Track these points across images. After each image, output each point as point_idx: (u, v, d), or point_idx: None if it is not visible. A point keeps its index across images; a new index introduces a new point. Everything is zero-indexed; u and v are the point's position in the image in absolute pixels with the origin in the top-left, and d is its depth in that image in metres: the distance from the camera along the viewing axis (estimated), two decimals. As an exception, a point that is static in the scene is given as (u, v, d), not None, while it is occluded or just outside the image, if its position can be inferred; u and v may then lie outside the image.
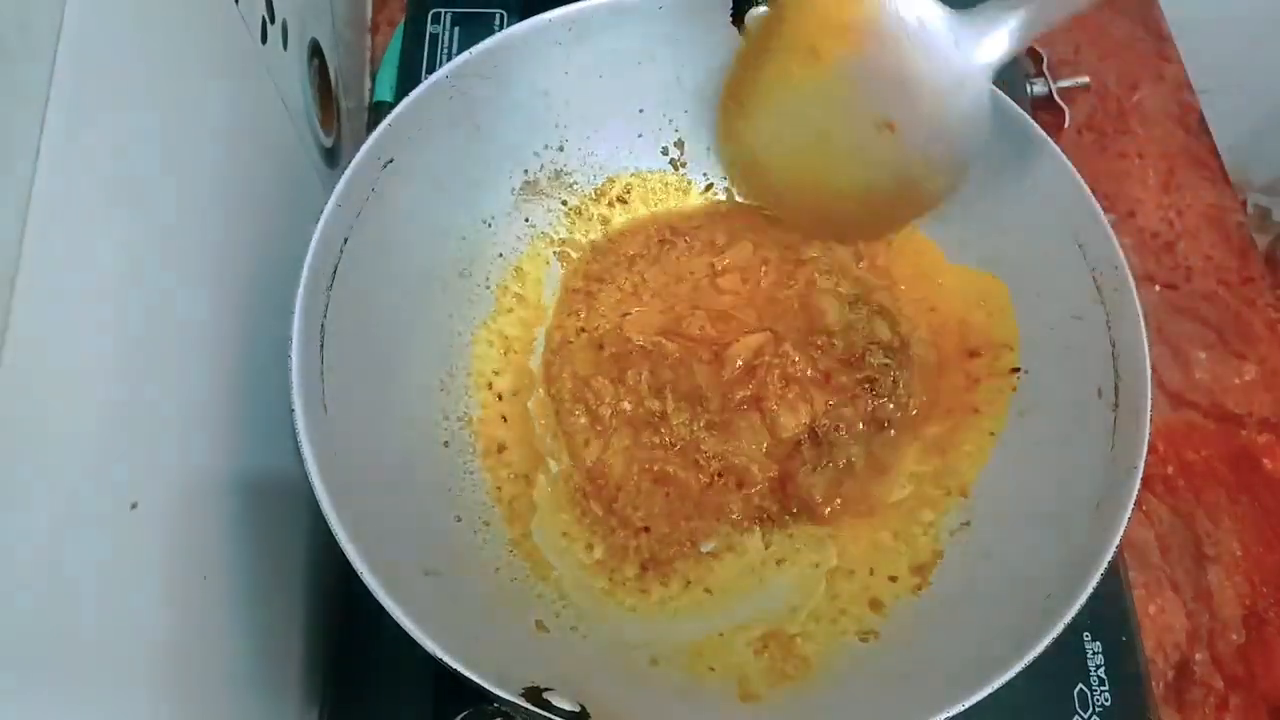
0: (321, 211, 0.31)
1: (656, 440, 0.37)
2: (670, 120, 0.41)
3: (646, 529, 0.36)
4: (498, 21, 0.50)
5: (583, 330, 0.40)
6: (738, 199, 0.43)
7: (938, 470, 0.37)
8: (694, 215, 0.42)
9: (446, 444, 0.36)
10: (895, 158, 0.34)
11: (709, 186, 0.43)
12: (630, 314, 0.40)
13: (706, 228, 0.42)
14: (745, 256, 0.41)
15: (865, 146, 0.34)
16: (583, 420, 0.38)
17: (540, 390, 0.39)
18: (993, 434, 0.36)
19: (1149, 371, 0.31)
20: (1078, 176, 0.34)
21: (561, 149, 0.40)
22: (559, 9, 0.36)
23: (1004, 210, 0.37)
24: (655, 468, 0.37)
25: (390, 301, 0.35)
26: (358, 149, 0.33)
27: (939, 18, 0.32)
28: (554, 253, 0.41)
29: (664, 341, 0.39)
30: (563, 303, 0.40)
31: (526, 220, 0.41)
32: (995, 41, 0.31)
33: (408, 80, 0.48)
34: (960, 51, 0.31)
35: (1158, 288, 0.49)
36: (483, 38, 0.36)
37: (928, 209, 0.36)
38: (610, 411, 0.38)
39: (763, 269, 0.41)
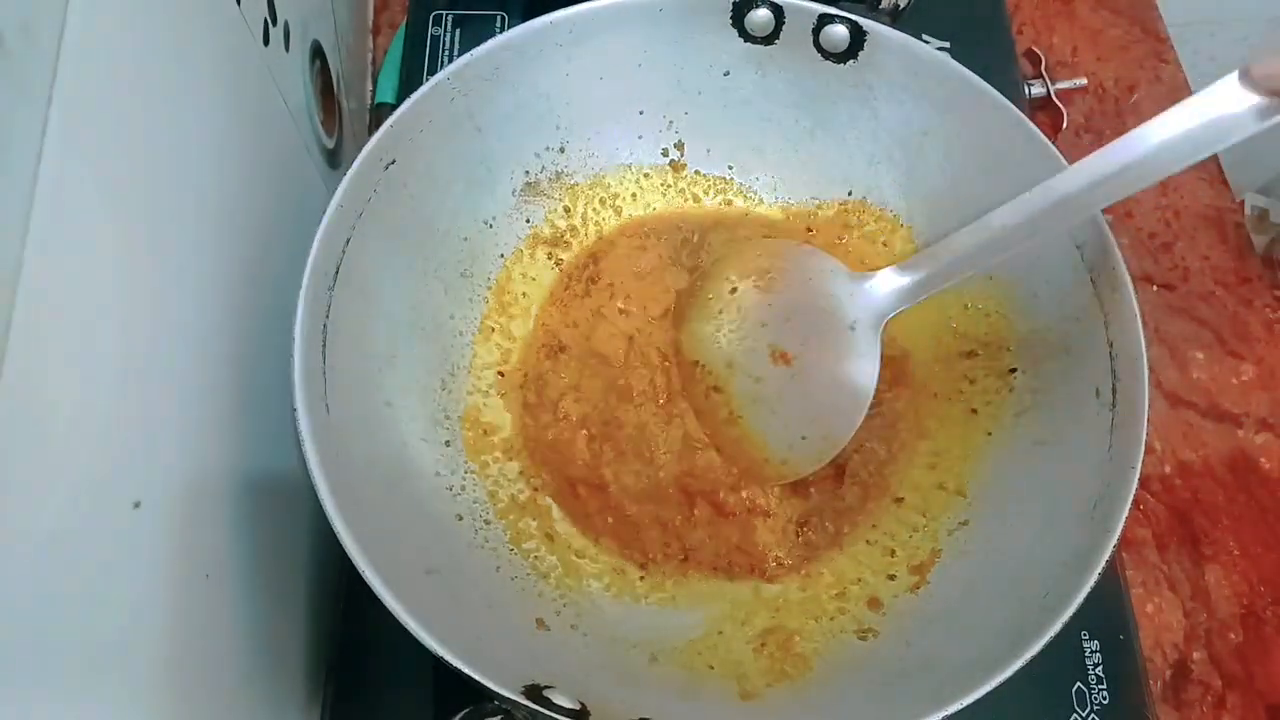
0: (324, 212, 0.31)
1: (637, 460, 0.37)
2: (671, 122, 0.41)
3: (643, 531, 0.36)
4: (499, 23, 0.50)
5: (563, 339, 0.40)
6: (740, 205, 0.43)
7: (936, 469, 0.37)
8: (694, 218, 0.43)
9: (448, 443, 0.36)
10: (787, 392, 0.36)
11: (709, 190, 0.43)
12: (619, 322, 0.40)
13: (706, 232, 0.42)
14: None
15: (762, 377, 0.37)
16: (568, 425, 0.38)
17: (535, 391, 0.39)
18: (990, 434, 0.36)
19: (1146, 372, 0.31)
20: (1075, 177, 0.34)
21: (562, 150, 0.41)
22: (560, 11, 0.37)
23: (1002, 211, 0.37)
24: (641, 479, 0.37)
25: (392, 302, 0.35)
26: (360, 150, 0.33)
27: (839, 273, 0.36)
28: (553, 254, 0.41)
29: (641, 356, 0.39)
30: (551, 309, 0.41)
31: (527, 221, 0.41)
32: (886, 297, 0.35)
33: (409, 82, 0.48)
34: (853, 302, 0.36)
35: (1155, 288, 0.49)
36: (484, 40, 0.36)
37: (816, 458, 0.36)
38: (593, 419, 0.38)
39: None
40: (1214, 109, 0.28)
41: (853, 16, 0.37)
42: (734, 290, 0.38)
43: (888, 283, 0.35)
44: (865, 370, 0.35)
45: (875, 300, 0.35)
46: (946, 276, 0.34)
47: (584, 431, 0.38)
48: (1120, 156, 0.30)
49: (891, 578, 0.34)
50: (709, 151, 0.42)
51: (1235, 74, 0.28)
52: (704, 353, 0.38)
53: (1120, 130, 0.54)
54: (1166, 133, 0.29)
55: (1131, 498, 0.29)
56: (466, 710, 0.28)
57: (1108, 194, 0.30)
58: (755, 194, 0.43)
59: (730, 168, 0.43)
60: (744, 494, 0.37)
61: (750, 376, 0.37)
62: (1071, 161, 0.34)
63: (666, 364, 0.39)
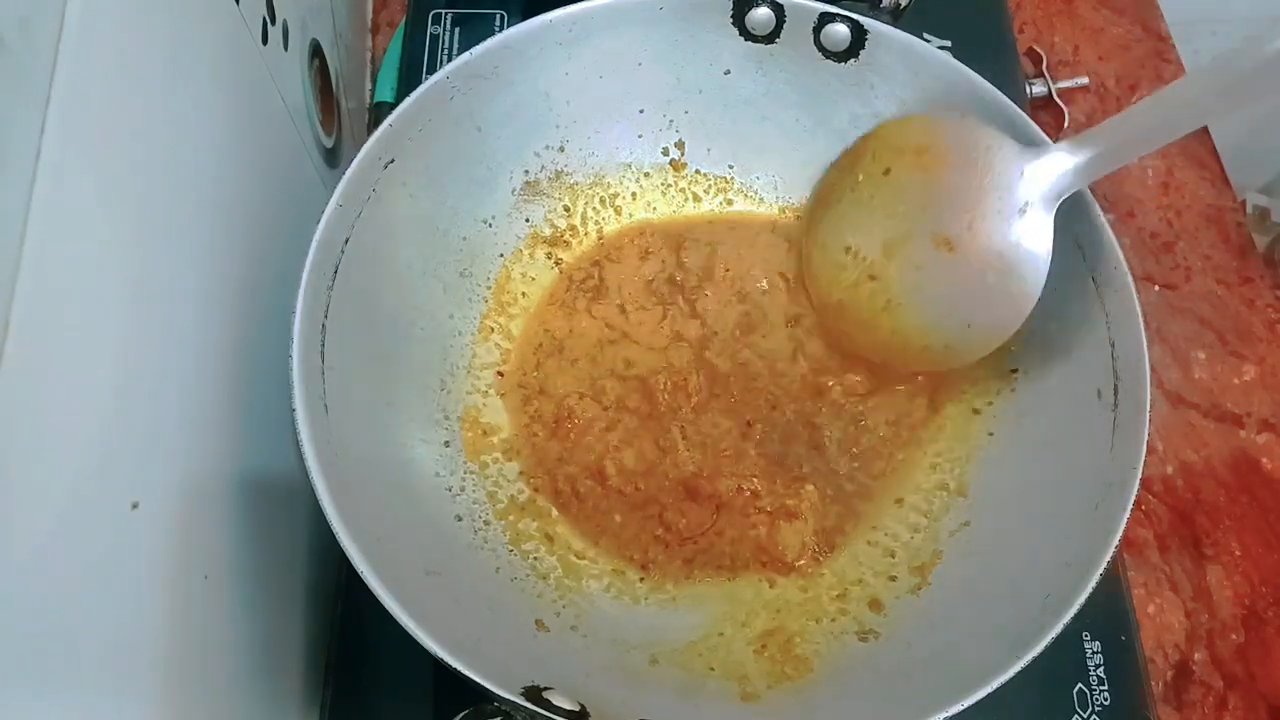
0: (322, 211, 0.31)
1: (637, 460, 0.37)
2: (671, 121, 0.41)
3: (645, 531, 0.36)
4: (498, 22, 0.50)
5: (565, 341, 0.40)
6: (740, 204, 0.43)
7: (937, 470, 0.37)
8: (693, 220, 0.42)
9: (447, 444, 0.36)
10: (952, 280, 0.34)
11: (709, 189, 0.43)
12: (622, 326, 0.40)
13: (706, 236, 0.42)
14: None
15: (924, 264, 0.35)
16: (571, 426, 0.38)
17: (534, 391, 0.39)
18: (992, 434, 0.36)
19: (1148, 372, 0.31)
20: (1077, 176, 0.34)
21: (562, 149, 0.40)
22: (560, 10, 0.36)
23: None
24: (648, 479, 0.37)
25: (391, 301, 0.35)
26: (359, 149, 0.33)
27: (1008, 149, 0.33)
28: (553, 254, 0.41)
29: (639, 363, 0.39)
30: (551, 309, 0.40)
31: (527, 221, 0.41)
32: (1061, 177, 0.32)
33: (408, 81, 0.48)
34: (1024, 182, 0.33)
35: (1157, 288, 0.49)
36: (483, 38, 0.36)
37: (982, 346, 0.35)
38: (596, 420, 0.38)
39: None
40: None
41: (854, 15, 0.37)
42: (887, 171, 0.36)
43: (1061, 161, 0.32)
44: (1038, 255, 0.33)
45: (1049, 180, 0.32)
46: (1123, 153, 0.31)
47: (586, 432, 0.37)
48: None
49: (893, 579, 0.34)
50: (709, 151, 0.42)
51: None
52: (857, 238, 0.36)
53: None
54: None
55: (1133, 498, 0.29)
56: (466, 711, 0.28)
57: None
58: (756, 193, 0.43)
59: (731, 167, 0.43)
60: (775, 494, 0.36)
61: (910, 264, 0.35)
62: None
63: (673, 368, 0.39)
